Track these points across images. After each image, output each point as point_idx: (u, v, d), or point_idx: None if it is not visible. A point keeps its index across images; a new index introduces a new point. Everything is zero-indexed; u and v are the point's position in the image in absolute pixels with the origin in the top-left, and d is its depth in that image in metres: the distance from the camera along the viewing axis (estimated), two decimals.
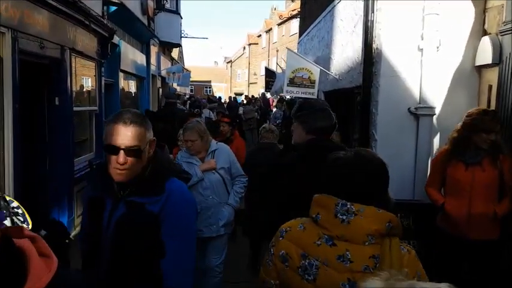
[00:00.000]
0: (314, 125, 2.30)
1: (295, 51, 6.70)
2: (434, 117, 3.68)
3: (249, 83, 39.03)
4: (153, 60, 12.45)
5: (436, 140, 3.72)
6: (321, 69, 5.21)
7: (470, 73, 3.72)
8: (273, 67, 20.60)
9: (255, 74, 37.57)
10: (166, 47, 16.05)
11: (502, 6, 3.33)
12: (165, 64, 15.26)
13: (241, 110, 14.46)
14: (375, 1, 3.76)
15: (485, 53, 3.50)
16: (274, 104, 16.27)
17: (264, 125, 4.98)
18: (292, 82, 5.19)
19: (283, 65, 13.29)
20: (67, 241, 3.32)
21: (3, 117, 3.90)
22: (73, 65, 5.71)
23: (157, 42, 13.32)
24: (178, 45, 17.57)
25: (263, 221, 2.98)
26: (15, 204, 3.30)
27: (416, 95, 3.68)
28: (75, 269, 1.54)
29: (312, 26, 7.24)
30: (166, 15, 13.26)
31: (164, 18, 13.02)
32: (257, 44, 39.24)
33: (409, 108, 3.69)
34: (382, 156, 3.84)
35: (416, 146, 3.68)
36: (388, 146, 3.69)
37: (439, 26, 3.62)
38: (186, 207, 1.70)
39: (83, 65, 6.36)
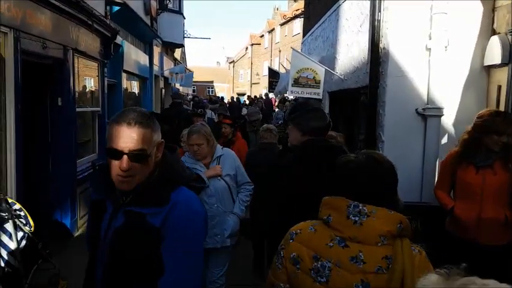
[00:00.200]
0: (308, 126, 2.32)
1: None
2: (442, 118, 3.62)
3: (252, 83, 38.99)
4: (155, 60, 12.43)
5: (444, 141, 3.66)
6: (326, 69, 5.15)
7: (479, 73, 3.66)
8: (276, 67, 20.59)
9: (257, 74, 37.53)
10: (169, 48, 16.02)
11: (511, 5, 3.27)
12: (168, 64, 15.24)
13: (244, 110, 14.41)
14: (382, 0, 3.71)
15: (494, 53, 3.44)
16: (276, 104, 16.22)
17: (263, 125, 4.93)
18: (297, 82, 5.14)
19: (286, 65, 13.24)
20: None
21: (5, 118, 3.86)
22: (76, 65, 5.67)
23: (160, 42, 13.30)
24: (181, 46, 17.55)
25: (263, 221, 2.95)
26: (17, 206, 3.27)
27: (424, 95, 3.62)
28: None
29: (316, 26, 7.18)
30: (169, 16, 13.24)
31: (167, 19, 13.00)
32: (259, 44, 39.19)
33: (416, 109, 3.63)
34: (389, 158, 3.81)
35: (424, 148, 3.62)
36: (396, 147, 3.63)
37: (448, 26, 3.56)
38: (192, 222, 1.47)
39: (85, 65, 6.32)
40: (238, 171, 3.30)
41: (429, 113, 3.59)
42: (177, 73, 14.47)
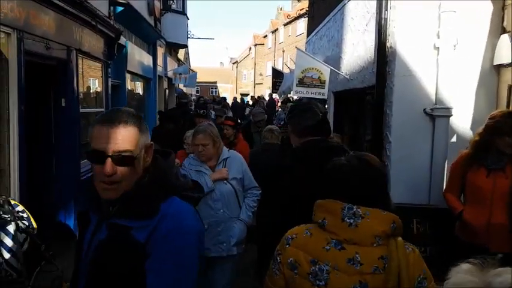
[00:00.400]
0: (299, 126, 2.35)
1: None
2: (451, 118, 3.55)
3: (255, 84, 38.95)
4: (159, 61, 12.41)
5: (453, 143, 3.59)
6: (331, 69, 5.09)
7: (488, 72, 3.58)
8: (279, 68, 20.52)
9: (260, 75, 37.48)
10: (173, 48, 16.02)
11: None
12: (172, 65, 15.23)
13: (247, 110, 14.35)
14: None
15: (504, 52, 3.37)
16: (279, 104, 16.15)
17: (266, 126, 4.94)
18: (301, 82, 5.09)
19: (290, 64, 13.18)
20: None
21: (8, 119, 3.84)
22: (79, 66, 5.65)
23: (164, 43, 13.28)
24: (185, 46, 17.54)
25: (265, 222, 2.90)
26: (20, 208, 3.24)
27: (432, 95, 3.56)
28: None
29: (321, 25, 7.12)
30: (173, 16, 13.22)
31: (171, 19, 12.98)
32: (263, 44, 39.16)
33: (424, 109, 3.56)
34: (396, 159, 3.74)
35: (432, 149, 3.54)
36: (403, 148, 3.57)
37: (456, 24, 3.49)
38: (182, 238, 1.26)
39: (89, 66, 6.31)
40: (246, 175, 3.16)
41: (437, 113, 3.52)
42: (180, 74, 14.46)
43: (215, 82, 46.48)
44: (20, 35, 3.88)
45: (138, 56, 9.46)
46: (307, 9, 11.37)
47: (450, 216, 2.96)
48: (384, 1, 3.65)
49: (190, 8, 40.48)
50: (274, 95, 16.20)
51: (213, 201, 2.96)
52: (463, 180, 2.85)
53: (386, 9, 3.67)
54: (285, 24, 30.82)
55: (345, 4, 5.27)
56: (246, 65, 43.82)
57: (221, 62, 60.66)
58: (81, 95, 5.95)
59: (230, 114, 10.89)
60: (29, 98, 4.19)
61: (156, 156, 1.39)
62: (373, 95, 3.92)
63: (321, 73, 5.04)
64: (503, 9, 3.54)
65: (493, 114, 2.74)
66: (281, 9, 35.04)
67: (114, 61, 7.23)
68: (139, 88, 10.87)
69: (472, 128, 3.56)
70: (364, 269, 1.37)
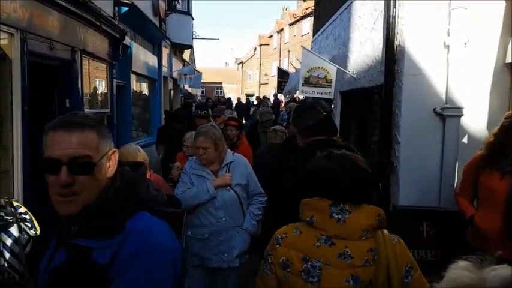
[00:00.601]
0: (302, 126, 2.33)
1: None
2: (462, 118, 3.45)
3: (260, 84, 38.90)
4: (164, 61, 12.40)
5: (464, 143, 3.49)
6: (337, 68, 5.01)
7: (500, 71, 3.48)
8: (285, 68, 20.43)
9: (266, 75, 37.42)
10: (178, 49, 16.00)
11: None
12: (177, 65, 15.21)
13: (252, 110, 14.29)
14: None
15: None
16: (283, 105, 16.08)
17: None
18: (307, 82, 5.01)
19: (295, 64, 13.10)
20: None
21: (12, 119, 3.82)
22: (84, 66, 5.63)
23: (169, 43, 13.26)
24: (190, 47, 17.53)
25: (269, 221, 2.83)
26: (22, 210, 3.20)
27: (443, 94, 3.46)
28: None
29: (327, 24, 7.04)
30: (178, 17, 13.20)
31: (176, 20, 12.96)
32: (268, 44, 39.09)
33: (434, 109, 3.47)
34: (405, 160, 3.65)
35: (442, 149, 3.45)
36: (412, 149, 3.47)
37: (467, 21, 3.40)
38: (152, 255, 1.09)
39: (94, 66, 6.29)
40: (251, 180, 2.96)
41: (448, 113, 3.42)
42: (185, 74, 14.43)
43: (220, 83, 46.49)
44: (24, 36, 3.85)
45: (143, 56, 9.44)
46: (313, 8, 11.28)
47: (461, 219, 2.87)
48: None
49: (195, 8, 40.51)
50: (279, 95, 16.12)
51: (215, 209, 2.80)
52: (476, 183, 2.73)
53: (394, 7, 3.59)
54: (291, 24, 30.73)
55: (352, 2, 5.18)
56: (251, 65, 43.78)
57: (226, 63, 60.77)
58: (86, 95, 5.93)
59: (235, 114, 10.79)
60: (33, 99, 4.16)
61: (124, 167, 1.25)
62: (381, 94, 3.83)
63: (328, 72, 4.96)
64: None
65: (509, 114, 2.63)
66: (286, 9, 34.96)
67: (119, 62, 7.21)
68: (144, 89, 10.86)
69: (484, 128, 3.47)
70: (355, 262, 1.41)
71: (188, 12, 14.67)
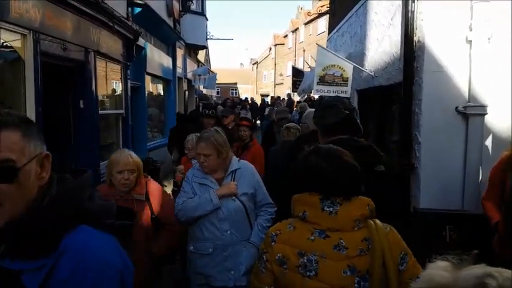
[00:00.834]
0: (321, 124, 2.28)
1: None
2: (486, 117, 3.28)
3: (275, 84, 38.76)
4: (179, 62, 12.42)
5: (488, 143, 3.32)
6: (354, 65, 4.87)
7: None
8: (300, 67, 20.25)
9: (281, 75, 37.27)
10: (192, 49, 16.03)
11: None
12: (191, 66, 15.25)
13: (266, 111, 14.21)
14: None
15: None
16: (295, 104, 15.95)
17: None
18: (322, 80, 4.88)
19: (310, 62, 12.93)
20: None
21: None
22: (98, 67, 5.64)
23: (183, 44, 13.29)
24: (204, 47, 17.55)
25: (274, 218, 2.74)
26: None
27: (465, 92, 3.30)
28: None
29: (342, 22, 6.89)
30: (192, 17, 13.21)
31: (190, 20, 12.98)
32: (283, 44, 38.94)
33: (456, 107, 3.31)
34: (427, 161, 3.47)
35: (465, 150, 3.28)
36: (434, 149, 3.32)
37: (490, 15, 3.23)
38: (92, 277, 0.94)
39: (108, 67, 6.30)
40: (258, 189, 2.68)
41: (471, 112, 3.26)
42: (200, 75, 14.43)
43: (235, 83, 46.55)
44: (36, 36, 3.85)
45: (157, 57, 9.46)
46: (328, 6, 11.11)
47: (487, 224, 2.70)
48: None
49: (209, 9, 40.68)
50: (292, 95, 15.97)
51: (219, 221, 2.54)
52: (504, 187, 2.55)
53: (413, 1, 3.44)
54: (306, 24, 30.49)
55: None
56: (266, 65, 43.69)
57: (241, 63, 60.83)
58: (100, 96, 5.94)
59: (249, 115, 10.67)
60: (46, 100, 4.17)
61: (64, 174, 1.08)
62: (400, 92, 3.68)
63: (344, 70, 4.82)
64: None
65: None
66: (301, 8, 34.73)
67: (133, 63, 7.22)
68: (159, 90, 10.90)
69: (508, 127, 3.28)
70: (350, 253, 1.42)
71: (202, 13, 14.68)
